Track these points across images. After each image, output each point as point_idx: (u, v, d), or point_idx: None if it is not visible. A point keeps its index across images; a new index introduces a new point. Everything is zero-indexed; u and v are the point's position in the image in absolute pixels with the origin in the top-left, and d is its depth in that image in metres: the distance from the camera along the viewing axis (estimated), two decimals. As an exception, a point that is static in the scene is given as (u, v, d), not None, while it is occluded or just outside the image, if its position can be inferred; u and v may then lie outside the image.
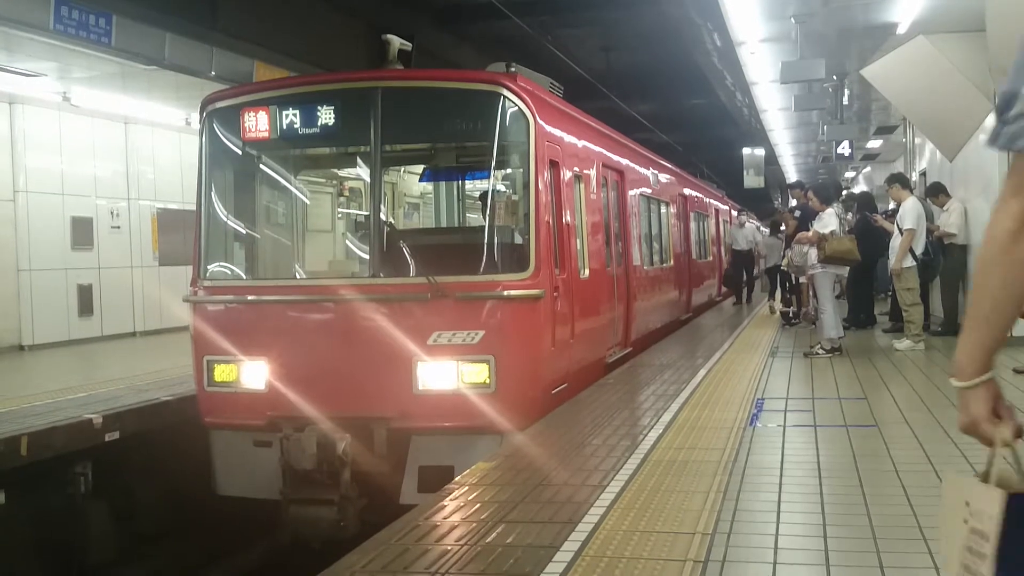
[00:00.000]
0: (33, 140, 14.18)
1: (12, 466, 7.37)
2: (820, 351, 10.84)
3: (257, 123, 8.00)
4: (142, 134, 16.25)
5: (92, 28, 10.90)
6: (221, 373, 7.81)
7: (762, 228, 26.63)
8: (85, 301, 15.00)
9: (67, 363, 12.95)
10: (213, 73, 12.74)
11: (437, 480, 6.46)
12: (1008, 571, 1.81)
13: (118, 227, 15.80)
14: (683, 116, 28.99)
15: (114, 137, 15.76)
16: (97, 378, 10.73)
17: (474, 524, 4.66)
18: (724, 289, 23.09)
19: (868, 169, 33.93)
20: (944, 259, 12.18)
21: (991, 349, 1.91)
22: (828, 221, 10.89)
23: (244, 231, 8.60)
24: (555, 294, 7.94)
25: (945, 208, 12.65)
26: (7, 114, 13.83)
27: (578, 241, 9.02)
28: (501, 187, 8.71)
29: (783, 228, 16.33)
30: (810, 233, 11.17)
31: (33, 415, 8.25)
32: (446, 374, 7.31)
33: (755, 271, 22.04)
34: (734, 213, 25.64)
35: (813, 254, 11.14)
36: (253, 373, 7.71)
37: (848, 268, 11.80)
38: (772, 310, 17.93)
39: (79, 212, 14.99)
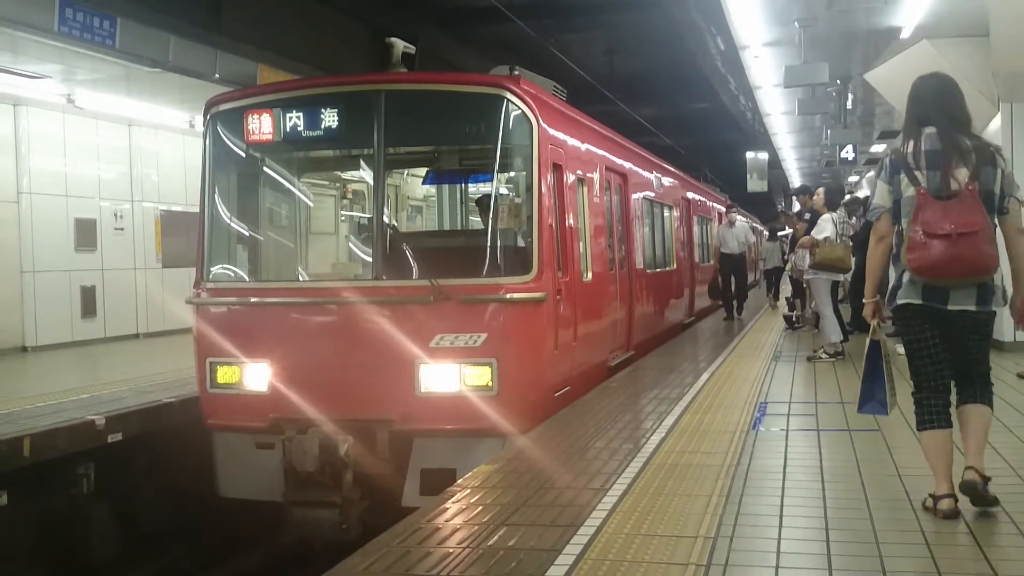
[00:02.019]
0: (37, 142, 14.20)
1: (15, 467, 7.38)
2: (823, 355, 10.83)
3: (261, 126, 8.00)
4: (146, 136, 16.26)
5: (96, 30, 10.91)
6: (224, 375, 7.81)
7: (764, 231, 26.28)
8: (88, 303, 15.01)
9: (70, 364, 12.96)
10: (217, 76, 12.75)
11: (439, 483, 6.45)
12: (867, 380, 4.89)
13: (121, 229, 15.82)
14: (686, 120, 29.00)
15: (118, 139, 15.77)
16: (100, 380, 10.74)
17: (476, 527, 4.66)
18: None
19: (872, 174, 33.93)
20: None
21: (874, 287, 4.71)
22: (824, 227, 10.87)
23: (247, 233, 8.60)
24: (558, 297, 7.93)
25: None
26: (11, 116, 13.86)
27: (581, 244, 9.01)
28: (504, 190, 8.71)
29: (781, 232, 16.29)
30: (806, 238, 11.19)
31: (36, 416, 8.26)
32: (449, 377, 7.30)
33: (748, 278, 19.66)
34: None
35: (809, 259, 11.16)
36: (256, 375, 7.71)
37: (851, 272, 11.77)
38: (773, 306, 17.97)
39: (83, 214, 15.00)
